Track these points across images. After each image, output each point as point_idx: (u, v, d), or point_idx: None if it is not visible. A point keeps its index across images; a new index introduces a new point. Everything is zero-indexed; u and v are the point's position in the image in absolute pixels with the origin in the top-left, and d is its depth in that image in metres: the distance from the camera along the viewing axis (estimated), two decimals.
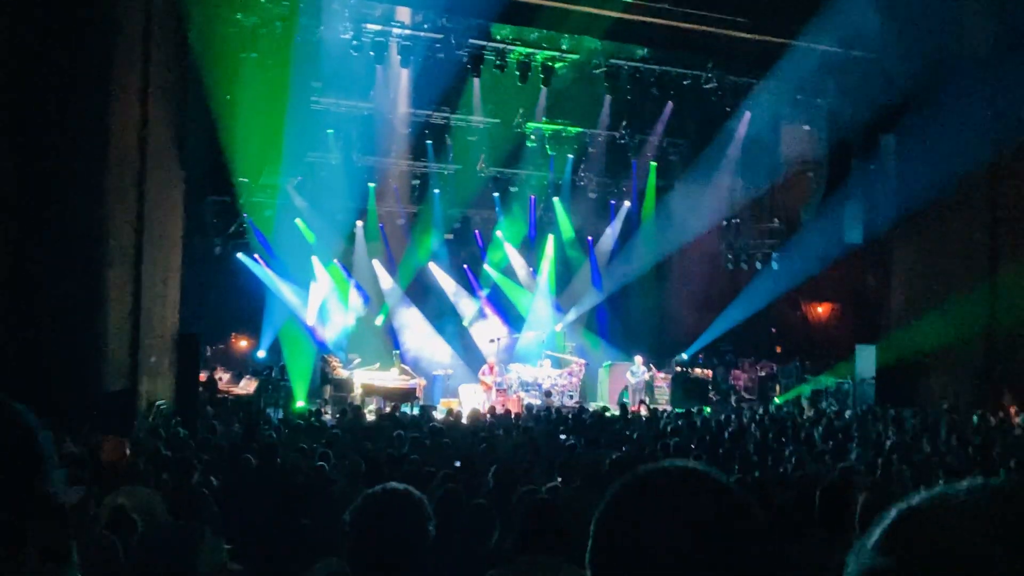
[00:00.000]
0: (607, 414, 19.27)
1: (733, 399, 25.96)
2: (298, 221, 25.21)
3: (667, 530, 1.46)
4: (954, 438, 14.86)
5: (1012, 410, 18.96)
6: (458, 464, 10.04)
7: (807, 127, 25.75)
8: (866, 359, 23.73)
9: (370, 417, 19.17)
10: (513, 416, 18.49)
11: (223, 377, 23.34)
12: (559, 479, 9.25)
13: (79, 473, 7.93)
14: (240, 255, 24.91)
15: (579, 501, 6.03)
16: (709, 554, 1.45)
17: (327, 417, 18.89)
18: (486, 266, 28.87)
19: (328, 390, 23.14)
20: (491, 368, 23.11)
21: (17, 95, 16.11)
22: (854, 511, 6.37)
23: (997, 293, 21.37)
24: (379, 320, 26.99)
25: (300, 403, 22.11)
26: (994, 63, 20.85)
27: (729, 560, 1.45)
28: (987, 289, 21.52)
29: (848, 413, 20.47)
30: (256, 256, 25.09)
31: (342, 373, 23.28)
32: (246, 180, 22.62)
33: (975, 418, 17.96)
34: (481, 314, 28.12)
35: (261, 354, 24.96)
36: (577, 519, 4.34)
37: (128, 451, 9.55)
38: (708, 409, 22.69)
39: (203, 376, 20.91)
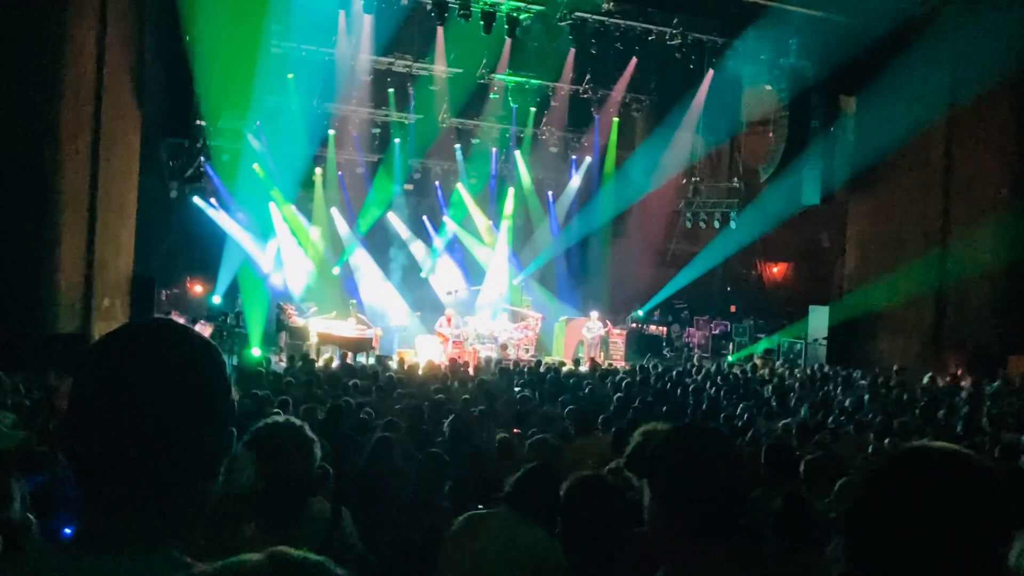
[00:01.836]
0: (564, 368, 19.36)
1: (687, 356, 26.23)
2: (256, 166, 24.95)
3: (934, 509, 1.58)
4: (902, 399, 15.14)
5: (959, 372, 19.29)
6: (411, 414, 10.07)
7: (769, 87, 25.78)
8: (819, 319, 24.01)
9: (322, 364, 19.15)
10: (471, 369, 18.54)
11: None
12: (516, 431, 9.33)
13: (33, 419, 7.87)
14: (196, 199, 24.65)
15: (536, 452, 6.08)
16: (972, 533, 1.58)
17: (281, 364, 18.84)
18: (445, 218, 28.81)
19: (284, 338, 23.09)
20: (448, 320, 23.12)
21: None
22: (798, 467, 6.52)
23: (947, 256, 21.66)
24: (336, 269, 26.87)
25: (255, 350, 22.01)
26: (953, 25, 20.96)
27: (987, 538, 1.59)
28: (938, 252, 21.80)
29: (799, 372, 20.76)
30: (213, 200, 24.84)
31: (298, 321, 23.21)
32: (204, 123, 22.30)
33: (925, 379, 18.25)
34: (439, 266, 28.09)
35: (216, 300, 24.79)
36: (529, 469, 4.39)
37: None
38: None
39: None
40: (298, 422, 3.66)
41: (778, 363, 23.52)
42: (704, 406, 13.59)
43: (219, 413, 1.69)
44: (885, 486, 1.63)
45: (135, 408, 1.59)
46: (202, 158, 23.63)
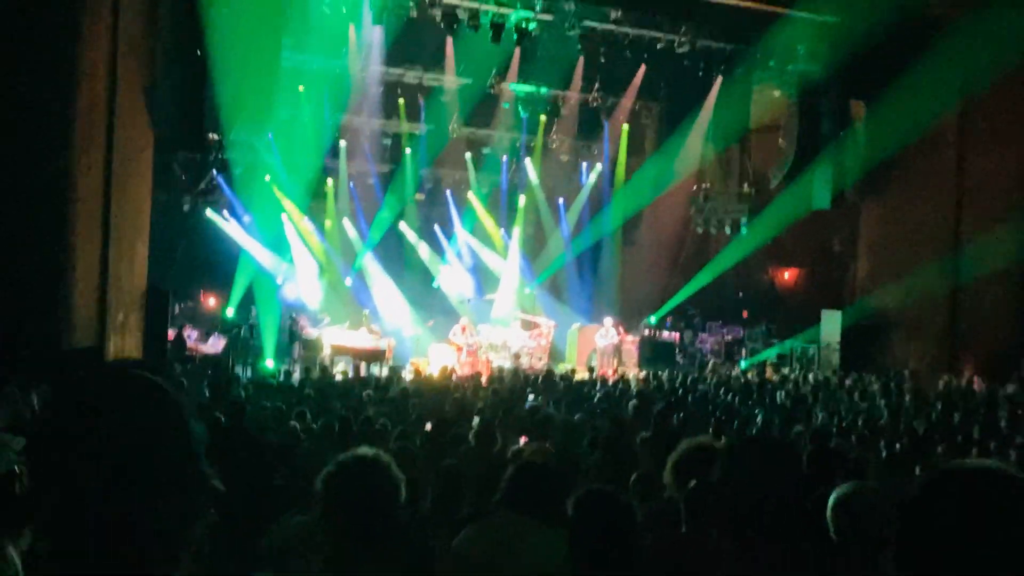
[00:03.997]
0: (576, 377, 19.36)
1: (700, 362, 26.20)
2: (268, 179, 25.06)
3: (984, 528, 1.60)
4: (917, 402, 15.12)
5: (974, 375, 19.23)
6: (428, 426, 10.10)
7: (778, 93, 25.80)
8: (831, 324, 23.96)
9: (339, 377, 19.21)
10: (484, 379, 18.56)
11: (192, 335, 23.24)
12: (524, 440, 9.35)
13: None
14: (209, 211, 24.75)
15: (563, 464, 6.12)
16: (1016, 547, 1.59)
17: (296, 376, 18.90)
18: (457, 227, 28.86)
19: (297, 349, 23.14)
20: (463, 329, 23.16)
21: None
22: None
23: (961, 257, 21.60)
24: (349, 280, 26.94)
25: (269, 362, 22.09)
26: (962, 24, 20.95)
27: None
28: (951, 254, 21.75)
29: (812, 377, 20.73)
30: (225, 213, 24.95)
31: (311, 332, 23.27)
32: (216, 136, 22.41)
33: (940, 383, 18.23)
34: (452, 275, 28.13)
35: (230, 312, 24.86)
36: (559, 482, 4.43)
37: None
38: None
39: (171, 334, 20.80)
40: (386, 458, 3.54)
41: (790, 368, 23.49)
42: (718, 413, 13.59)
43: (177, 447, 1.70)
44: (933, 507, 1.64)
45: (91, 460, 1.62)
46: (215, 171, 23.75)
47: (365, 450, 3.57)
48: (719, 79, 25.40)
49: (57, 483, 1.62)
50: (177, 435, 1.70)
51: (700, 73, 25.03)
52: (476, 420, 10.46)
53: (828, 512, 3.80)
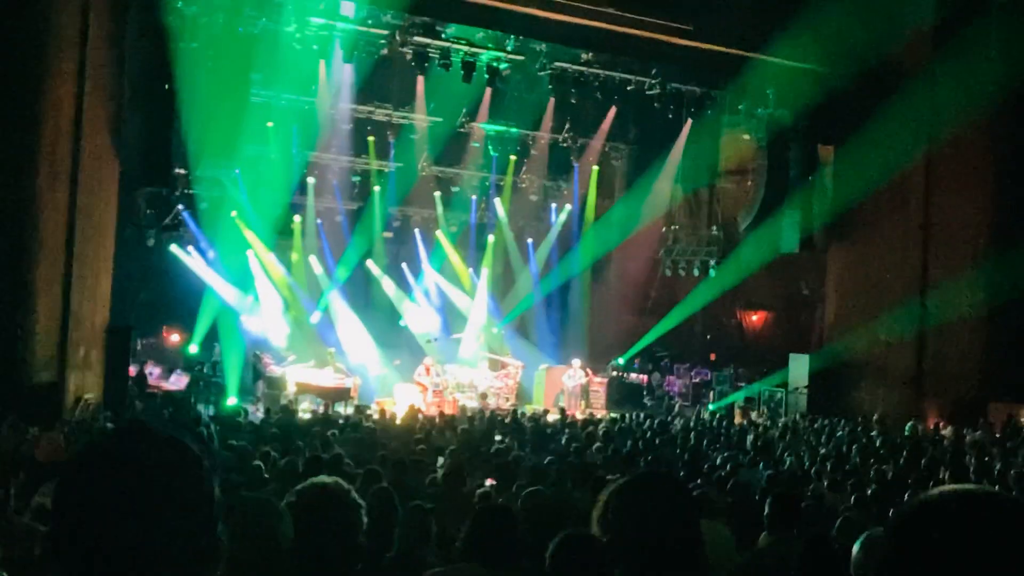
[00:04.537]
0: (548, 418, 19.21)
1: (668, 405, 26.12)
2: (234, 215, 24.83)
3: (976, 553, 1.48)
4: (884, 448, 15.08)
5: (941, 423, 19.25)
6: (394, 465, 9.91)
7: (747, 136, 25.99)
8: (799, 368, 23.98)
9: (304, 416, 18.94)
10: (449, 417, 18.36)
11: (154, 372, 22.90)
12: (491, 481, 9.21)
13: (10, 469, 7.70)
14: (174, 247, 24.48)
15: (531, 510, 5.95)
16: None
17: (259, 415, 18.62)
18: (425, 265, 28.73)
19: (261, 387, 22.84)
20: (427, 369, 22.96)
21: None
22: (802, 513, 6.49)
23: (927, 303, 21.73)
24: (315, 317, 26.68)
25: (232, 400, 21.76)
26: (928, 73, 21.23)
27: None
28: (918, 300, 21.86)
29: (781, 421, 20.69)
30: (190, 249, 24.69)
31: (275, 370, 22.98)
32: (183, 171, 22.19)
33: (907, 429, 18.25)
34: (419, 313, 27.94)
35: (193, 349, 24.51)
36: (530, 529, 4.28)
37: (63, 447, 9.32)
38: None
39: (133, 370, 20.47)
40: (346, 485, 3.56)
41: (758, 412, 23.45)
42: (687, 456, 13.48)
43: (200, 513, 1.66)
44: (920, 535, 1.53)
45: (118, 519, 1.58)
46: (180, 206, 23.51)
47: (324, 478, 3.61)
48: (689, 122, 25.56)
49: (76, 540, 1.59)
50: (199, 499, 1.67)
51: (670, 115, 25.18)
52: (441, 461, 10.30)
53: (855, 555, 3.71)
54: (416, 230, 28.82)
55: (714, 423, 19.84)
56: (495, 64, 22.68)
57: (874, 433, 17.39)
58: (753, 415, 22.89)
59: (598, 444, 13.25)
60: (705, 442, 15.71)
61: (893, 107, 21.33)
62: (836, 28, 20.76)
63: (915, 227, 22.08)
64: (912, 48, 21.60)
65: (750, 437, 16.54)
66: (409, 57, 21.91)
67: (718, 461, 12.59)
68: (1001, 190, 21.07)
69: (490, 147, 27.98)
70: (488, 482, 9.21)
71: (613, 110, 26.40)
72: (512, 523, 4.23)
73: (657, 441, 15.33)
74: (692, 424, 19.17)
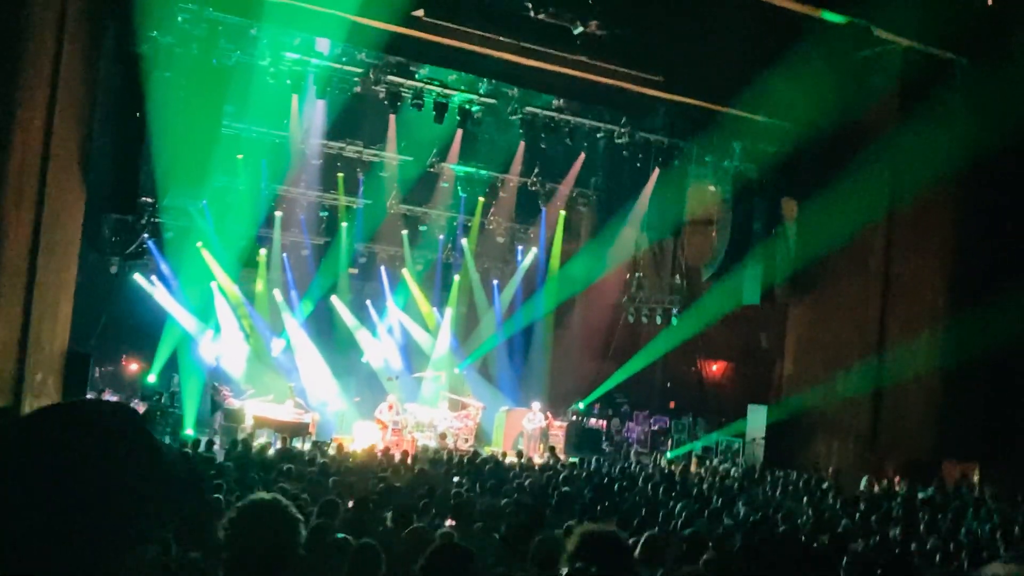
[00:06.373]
0: (506, 460, 19.18)
1: (626, 451, 26.17)
2: (199, 245, 24.74)
3: None
4: (839, 502, 15.21)
5: (896, 479, 19.41)
6: (351, 503, 9.89)
7: (713, 188, 26.29)
8: (757, 419, 24.13)
9: (261, 450, 18.79)
10: (409, 458, 18.29)
11: (111, 400, 22.64)
12: (450, 522, 9.20)
13: None
14: (137, 275, 24.32)
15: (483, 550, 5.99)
16: None
17: (216, 448, 18.45)
18: (389, 303, 28.71)
19: (218, 419, 22.66)
20: (389, 407, 22.88)
21: None
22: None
23: (884, 361, 21.95)
24: (277, 348, 26.54)
25: (189, 431, 21.57)
26: (892, 133, 21.61)
27: None
28: (875, 357, 22.09)
29: (736, 472, 20.78)
30: (153, 278, 24.54)
31: (234, 403, 22.81)
32: (150, 200, 22.12)
33: (862, 483, 18.40)
34: (381, 351, 27.88)
35: (152, 378, 24.30)
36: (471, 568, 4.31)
37: None
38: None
39: (90, 398, 20.23)
40: (284, 500, 3.60)
41: (715, 461, 23.51)
42: (643, 505, 13.51)
43: (146, 485, 1.69)
44: None
45: (59, 487, 1.60)
46: (145, 235, 23.40)
47: (263, 495, 3.69)
48: (656, 171, 25.81)
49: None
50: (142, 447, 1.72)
51: (638, 164, 25.49)
52: (396, 500, 10.28)
53: None
54: (382, 267, 28.86)
55: (670, 471, 19.88)
56: (467, 106, 22.87)
57: (827, 487, 17.53)
58: (710, 464, 22.96)
59: (561, 490, 13.26)
60: (661, 490, 15.74)
61: (858, 166, 21.70)
62: (805, 87, 21.09)
63: (874, 286, 22.37)
64: (878, 109, 21.98)
65: (705, 486, 16.62)
66: (382, 96, 22.03)
67: (675, 511, 12.64)
68: (961, 251, 21.41)
69: (459, 188, 28.16)
70: (448, 523, 9.22)
71: (582, 156, 26.68)
72: (468, 563, 4.26)
73: (616, 487, 15.36)
74: (648, 471, 19.21)
